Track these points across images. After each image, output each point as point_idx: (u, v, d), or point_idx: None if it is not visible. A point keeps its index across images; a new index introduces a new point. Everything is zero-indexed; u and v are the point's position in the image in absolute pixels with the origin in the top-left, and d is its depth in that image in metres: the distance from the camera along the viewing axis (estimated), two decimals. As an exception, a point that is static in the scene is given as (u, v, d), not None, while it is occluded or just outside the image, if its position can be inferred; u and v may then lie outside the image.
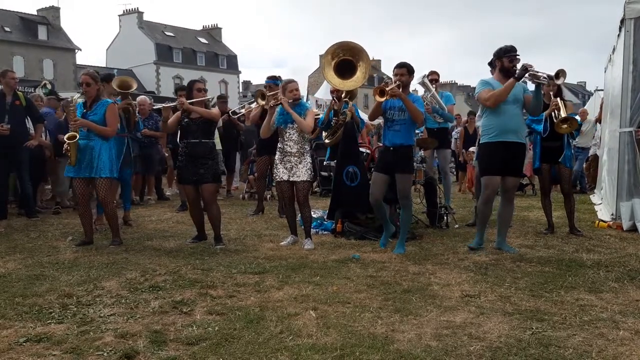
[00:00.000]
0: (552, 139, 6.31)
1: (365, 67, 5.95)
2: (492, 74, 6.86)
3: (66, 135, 5.65)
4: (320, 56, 58.85)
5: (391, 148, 5.53)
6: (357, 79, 5.98)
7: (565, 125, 6.02)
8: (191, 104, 5.77)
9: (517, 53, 5.40)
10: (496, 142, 5.34)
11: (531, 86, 5.49)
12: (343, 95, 6.59)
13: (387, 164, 5.57)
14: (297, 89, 5.89)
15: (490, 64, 6.95)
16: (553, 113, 6.19)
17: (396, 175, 5.51)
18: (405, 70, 5.46)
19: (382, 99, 5.24)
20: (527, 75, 5.30)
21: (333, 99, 6.94)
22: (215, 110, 6.04)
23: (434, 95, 7.44)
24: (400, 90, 5.32)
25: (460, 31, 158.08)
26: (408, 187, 5.61)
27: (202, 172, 5.72)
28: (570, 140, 6.53)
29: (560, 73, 5.22)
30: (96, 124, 5.72)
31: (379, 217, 5.87)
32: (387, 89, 5.23)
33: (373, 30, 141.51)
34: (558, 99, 6.21)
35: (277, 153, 5.90)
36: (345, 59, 5.94)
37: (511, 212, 5.70)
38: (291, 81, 5.97)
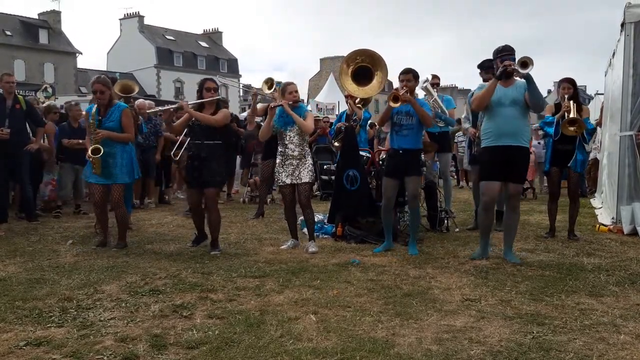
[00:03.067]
0: (564, 141, 6.25)
1: (382, 77, 6.00)
2: (481, 77, 6.89)
3: (90, 149, 5.59)
4: (321, 60, 58.99)
5: (400, 151, 5.59)
6: (373, 87, 6.04)
7: (573, 128, 5.94)
8: (201, 104, 5.68)
9: (510, 52, 5.19)
10: (493, 146, 5.20)
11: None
12: (357, 101, 6.67)
13: (397, 167, 5.62)
14: (296, 91, 5.85)
15: (479, 66, 6.97)
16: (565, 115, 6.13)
17: (406, 178, 5.59)
18: (411, 75, 5.59)
19: (397, 105, 5.39)
20: (502, 72, 5.07)
21: (348, 104, 7.10)
22: (219, 115, 5.65)
23: (436, 100, 7.45)
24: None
25: (460, 34, 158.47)
26: (417, 189, 5.73)
27: (205, 175, 5.64)
28: (584, 145, 6.42)
29: (528, 61, 4.87)
30: (115, 131, 5.72)
31: (385, 224, 5.82)
32: (400, 94, 5.33)
33: (373, 34, 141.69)
34: (571, 101, 6.10)
35: (278, 157, 5.85)
36: (363, 65, 5.98)
37: (516, 220, 5.38)
38: (290, 83, 5.95)
